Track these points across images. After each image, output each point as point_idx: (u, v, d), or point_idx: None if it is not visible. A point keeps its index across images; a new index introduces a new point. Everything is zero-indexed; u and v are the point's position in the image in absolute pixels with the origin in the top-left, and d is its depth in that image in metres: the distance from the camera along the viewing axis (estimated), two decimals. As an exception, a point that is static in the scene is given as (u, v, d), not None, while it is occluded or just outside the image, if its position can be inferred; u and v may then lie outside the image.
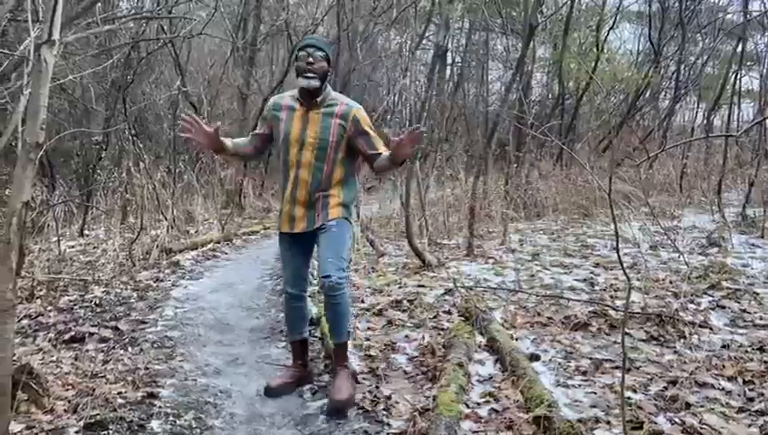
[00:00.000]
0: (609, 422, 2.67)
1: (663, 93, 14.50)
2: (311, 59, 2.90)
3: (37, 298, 4.81)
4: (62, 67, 5.65)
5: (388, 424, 2.75)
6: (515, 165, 8.82)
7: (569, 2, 9.54)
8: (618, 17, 11.90)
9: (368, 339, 3.82)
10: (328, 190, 3.03)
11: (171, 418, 2.79)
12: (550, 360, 3.39)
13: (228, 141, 3.15)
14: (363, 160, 3.14)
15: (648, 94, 13.52)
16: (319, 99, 2.98)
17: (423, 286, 4.88)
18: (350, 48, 8.00)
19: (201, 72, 11.55)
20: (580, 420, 2.64)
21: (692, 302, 4.21)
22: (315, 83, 2.92)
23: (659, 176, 9.60)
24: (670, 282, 4.66)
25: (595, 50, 10.98)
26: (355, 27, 8.74)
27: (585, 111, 13.61)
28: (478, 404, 2.89)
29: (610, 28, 11.58)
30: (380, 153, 3.02)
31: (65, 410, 2.73)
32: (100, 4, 6.73)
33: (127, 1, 10.13)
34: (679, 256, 4.95)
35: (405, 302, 4.46)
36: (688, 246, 5.88)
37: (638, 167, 7.99)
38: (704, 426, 2.59)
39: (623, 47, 16.01)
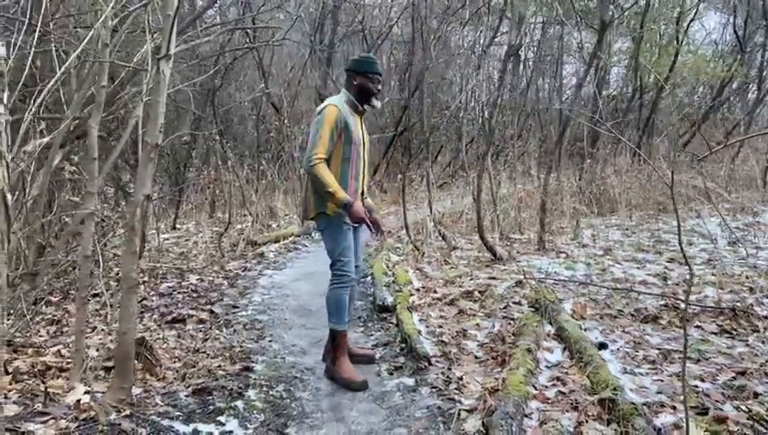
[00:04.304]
0: (674, 407, 2.77)
1: (750, 86, 13.85)
2: (380, 86, 3.44)
3: (141, 284, 5.33)
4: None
5: (460, 401, 2.97)
6: (589, 161, 8.76)
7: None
8: (699, 8, 11.47)
9: (440, 326, 4.04)
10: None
11: (265, 388, 3.13)
12: (618, 349, 3.49)
13: (349, 197, 3.28)
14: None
15: (733, 87, 12.96)
16: None
17: (494, 278, 5.04)
18: (424, 47, 8.20)
19: (281, 75, 12.09)
20: (644, 404, 2.76)
21: (768, 297, 4.18)
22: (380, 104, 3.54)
23: (742, 171, 9.25)
24: (746, 277, 4.60)
25: (675, 43, 10.65)
26: (429, 27, 8.94)
27: (666, 105, 13.20)
28: (545, 387, 3.05)
29: (692, 19, 11.19)
30: None
31: (175, 379, 3.12)
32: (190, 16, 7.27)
33: (213, 11, 10.73)
34: (757, 252, 4.87)
35: (476, 293, 4.64)
36: (769, 243, 5.74)
37: (700, 161, 7.75)
38: (770, 414, 2.64)
39: (708, 38, 15.33)
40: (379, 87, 3.41)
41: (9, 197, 1.13)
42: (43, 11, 2.32)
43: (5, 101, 1.15)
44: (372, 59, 3.48)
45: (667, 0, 12.07)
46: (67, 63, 2.31)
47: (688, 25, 11.08)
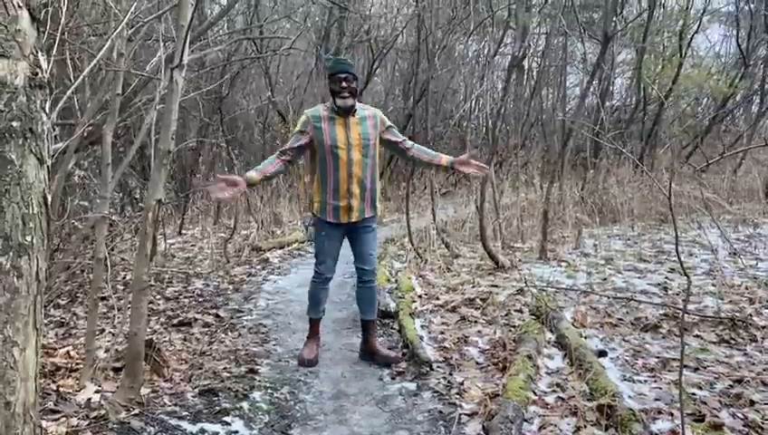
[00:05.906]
0: (671, 414, 2.82)
1: (753, 98, 13.92)
2: (344, 83, 3.40)
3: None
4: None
5: (461, 406, 3.03)
6: (592, 171, 8.83)
7: (648, 10, 9.46)
8: (701, 21, 11.57)
9: (442, 332, 4.10)
10: (374, 184, 3.58)
11: (269, 390, 3.19)
12: (617, 357, 3.54)
13: (252, 173, 3.39)
14: (392, 148, 3.74)
15: (737, 99, 13.04)
16: (354, 109, 3.48)
17: (496, 286, 5.10)
18: (429, 57, 8.30)
19: (287, 83, 12.20)
20: (642, 410, 2.81)
21: (767, 307, 4.22)
22: (350, 102, 3.43)
23: (744, 183, 9.31)
24: (746, 288, 4.65)
25: (678, 56, 10.74)
26: (434, 37, 9.05)
27: (669, 116, 13.27)
28: (545, 392, 3.11)
29: (695, 32, 11.28)
30: (406, 139, 3.71)
31: (182, 380, 3.18)
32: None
33: (221, 20, 10.84)
34: (757, 263, 4.91)
35: (478, 300, 4.70)
36: (769, 254, 5.78)
37: (701, 172, 7.82)
38: (766, 420, 2.70)
39: (712, 50, 15.43)
40: (344, 84, 3.39)
41: (49, 198, 1.20)
42: (62, 20, 2.40)
43: (47, 110, 1.23)
44: (335, 60, 3.56)
45: (671, 12, 12.18)
46: (85, 72, 2.40)
47: (692, 38, 11.16)
